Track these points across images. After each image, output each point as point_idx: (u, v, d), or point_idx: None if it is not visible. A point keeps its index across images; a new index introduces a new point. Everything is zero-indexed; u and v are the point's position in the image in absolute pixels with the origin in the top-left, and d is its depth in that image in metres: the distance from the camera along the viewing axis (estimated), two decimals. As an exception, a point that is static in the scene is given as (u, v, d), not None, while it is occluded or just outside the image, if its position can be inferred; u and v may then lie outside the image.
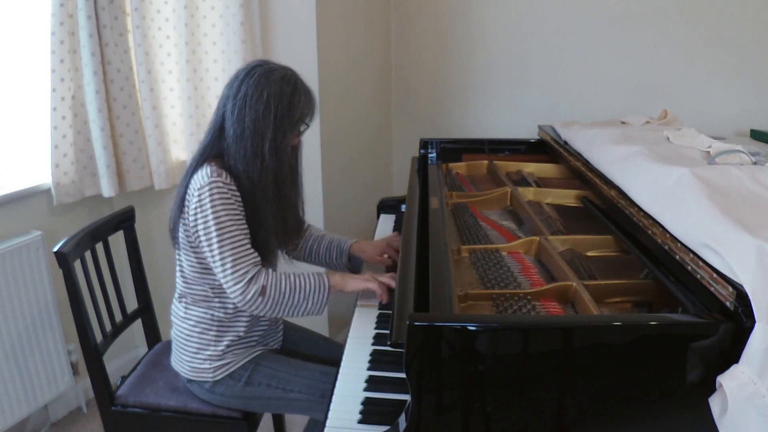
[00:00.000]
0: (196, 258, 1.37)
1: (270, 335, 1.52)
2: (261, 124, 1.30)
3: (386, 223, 2.03)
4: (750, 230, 0.91)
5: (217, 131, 1.35)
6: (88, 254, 1.58)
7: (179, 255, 1.42)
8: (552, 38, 2.60)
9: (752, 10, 2.33)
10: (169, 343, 1.68)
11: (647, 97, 2.50)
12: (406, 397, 1.02)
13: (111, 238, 1.68)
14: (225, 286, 1.30)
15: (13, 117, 2.02)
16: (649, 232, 1.16)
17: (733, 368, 0.84)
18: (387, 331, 1.35)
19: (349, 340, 1.35)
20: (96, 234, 1.61)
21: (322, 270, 1.46)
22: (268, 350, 1.51)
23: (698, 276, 0.97)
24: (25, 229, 1.95)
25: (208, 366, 1.41)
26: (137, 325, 1.81)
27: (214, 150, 1.35)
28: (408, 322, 0.89)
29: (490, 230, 1.54)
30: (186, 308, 1.44)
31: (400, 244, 1.59)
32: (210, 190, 1.27)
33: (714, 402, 0.86)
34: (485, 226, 1.55)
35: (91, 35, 1.92)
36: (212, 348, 1.41)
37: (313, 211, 2.29)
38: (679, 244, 1.04)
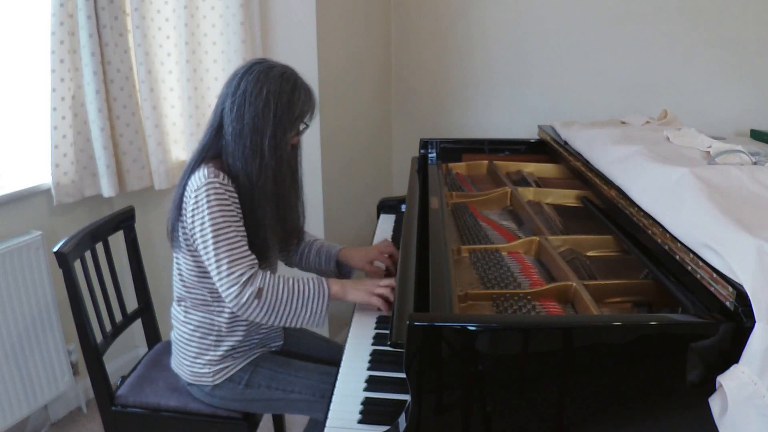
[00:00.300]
0: (194, 261, 1.36)
1: (270, 338, 1.52)
2: (260, 121, 1.28)
3: (386, 223, 2.03)
4: (750, 230, 0.91)
5: (216, 130, 1.33)
6: (88, 254, 1.58)
7: (177, 258, 1.41)
8: (552, 38, 2.60)
9: (752, 10, 2.33)
10: (169, 343, 1.68)
11: (647, 97, 2.50)
12: (406, 397, 1.02)
13: (111, 238, 1.68)
14: (220, 289, 1.27)
15: (13, 117, 2.02)
16: (649, 232, 1.16)
17: (733, 368, 0.84)
18: (387, 331, 1.35)
19: (349, 340, 1.34)
20: (96, 234, 1.61)
21: (313, 276, 1.43)
22: (267, 352, 1.51)
23: (698, 276, 0.97)
24: (25, 229, 1.95)
25: (207, 370, 1.40)
26: (137, 325, 1.81)
27: (212, 150, 1.33)
28: (408, 322, 0.89)
29: (490, 230, 1.54)
30: (185, 312, 1.43)
31: (391, 249, 1.59)
32: (207, 191, 1.26)
33: (714, 402, 0.86)
34: (485, 226, 1.55)
35: (91, 35, 1.92)
36: (212, 353, 1.40)
37: (313, 211, 2.29)
38: (679, 244, 1.04)
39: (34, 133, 2.05)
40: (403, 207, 1.96)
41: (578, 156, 1.70)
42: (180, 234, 1.35)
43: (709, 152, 1.38)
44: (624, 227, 1.32)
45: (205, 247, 1.27)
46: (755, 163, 1.27)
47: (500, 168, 2.00)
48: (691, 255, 0.99)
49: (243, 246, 1.28)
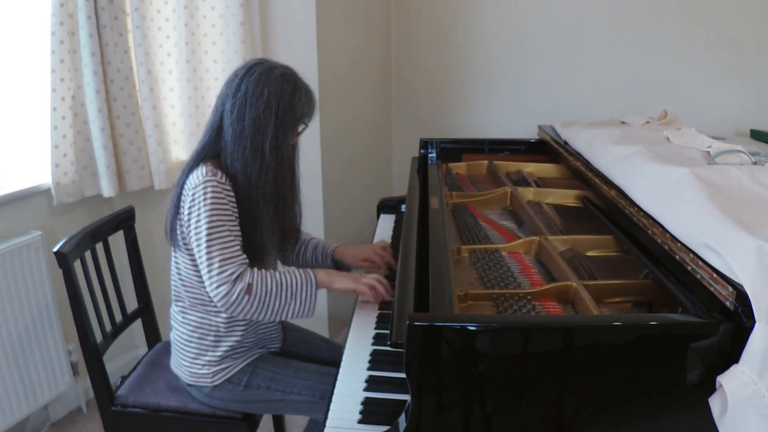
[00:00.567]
0: (192, 260, 1.36)
1: (269, 338, 1.52)
2: (262, 122, 1.29)
3: (386, 223, 2.03)
4: (750, 230, 0.91)
5: (216, 131, 1.33)
6: (88, 254, 1.58)
7: (176, 257, 1.41)
8: (552, 38, 2.60)
9: (752, 10, 2.33)
10: (169, 343, 1.68)
11: (647, 97, 2.50)
12: (406, 397, 1.02)
13: (111, 238, 1.68)
14: (209, 287, 1.26)
15: (13, 117, 2.02)
16: (649, 232, 1.16)
17: (733, 368, 0.84)
18: (387, 331, 1.35)
19: (349, 340, 1.34)
20: (96, 234, 1.61)
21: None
22: (266, 352, 1.51)
23: (698, 276, 0.97)
24: (25, 229, 1.95)
25: (206, 371, 1.40)
26: (137, 325, 1.81)
27: (211, 150, 1.33)
28: (408, 322, 0.89)
29: (490, 230, 1.54)
30: (183, 313, 1.43)
31: (386, 246, 1.61)
32: (204, 188, 1.26)
33: (714, 402, 0.86)
34: (485, 226, 1.55)
35: (91, 35, 1.92)
36: (210, 353, 1.40)
37: (313, 211, 2.29)
38: (679, 244, 1.04)
39: (34, 133, 2.05)
40: (403, 207, 1.96)
41: (578, 156, 1.70)
42: (178, 233, 1.35)
43: (709, 152, 1.38)
44: (624, 227, 1.32)
45: (198, 245, 1.27)
46: (755, 163, 1.27)
47: (500, 168, 2.00)
48: (691, 255, 0.99)
49: (236, 246, 1.28)
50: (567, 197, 1.72)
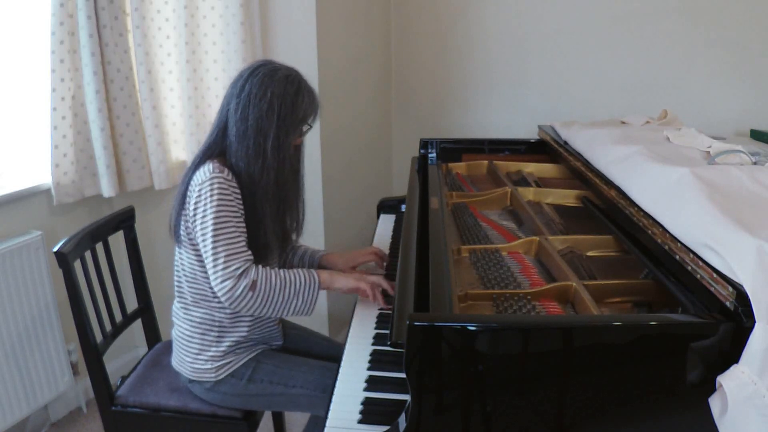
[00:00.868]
0: (196, 256, 1.37)
1: (271, 336, 1.52)
2: (264, 123, 1.30)
3: (386, 223, 2.03)
4: (750, 230, 0.91)
5: (221, 130, 1.35)
6: (88, 254, 1.58)
7: (180, 253, 1.41)
8: (552, 38, 2.60)
9: (752, 10, 2.33)
10: (169, 343, 1.68)
11: (647, 97, 2.50)
12: (406, 397, 1.02)
13: (111, 238, 1.68)
14: (213, 282, 1.28)
15: (13, 117, 2.02)
16: (649, 232, 1.16)
17: (733, 368, 0.84)
18: (387, 331, 1.35)
19: (349, 340, 1.35)
20: (96, 234, 1.61)
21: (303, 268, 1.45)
22: (268, 348, 1.51)
23: (698, 276, 0.97)
24: (25, 229, 1.95)
25: (210, 366, 1.41)
26: (137, 325, 1.81)
27: (217, 149, 1.35)
28: (408, 322, 0.89)
29: (490, 230, 1.54)
30: (186, 309, 1.43)
31: (376, 250, 1.61)
32: (211, 185, 1.28)
33: (714, 402, 0.86)
34: (485, 226, 1.55)
35: (91, 35, 1.92)
36: (214, 349, 1.41)
37: (313, 212, 2.29)
38: (679, 244, 1.04)
39: (34, 133, 2.05)
40: (403, 207, 1.96)
41: (578, 156, 1.70)
42: (183, 229, 1.36)
43: (709, 152, 1.38)
44: (624, 227, 1.32)
45: (203, 240, 1.28)
46: (755, 163, 1.27)
47: (500, 168, 2.00)
48: (691, 255, 0.99)
49: (241, 241, 1.30)
50: (567, 197, 1.72)
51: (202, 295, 1.40)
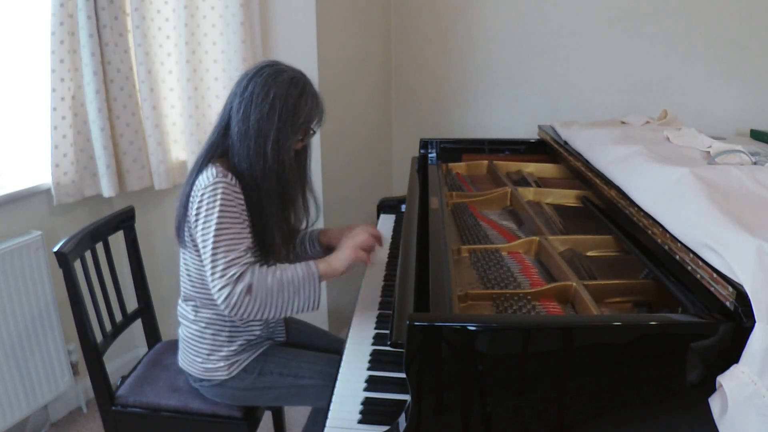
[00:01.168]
0: (200, 258, 1.35)
1: (276, 330, 1.54)
2: (265, 124, 1.29)
3: (386, 223, 2.03)
4: (750, 230, 0.91)
5: (223, 129, 1.34)
6: (88, 254, 1.58)
7: (185, 256, 1.41)
8: (552, 38, 2.60)
9: (752, 10, 2.33)
10: (169, 343, 1.68)
11: (647, 97, 2.50)
12: (406, 397, 1.02)
13: (111, 238, 1.68)
14: (213, 289, 1.25)
15: (13, 117, 2.02)
16: (649, 232, 1.16)
17: (733, 368, 0.84)
18: (387, 331, 1.35)
19: (349, 340, 1.35)
20: (96, 234, 1.61)
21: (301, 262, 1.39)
22: (273, 343, 1.52)
23: (698, 276, 0.97)
24: (25, 229, 1.95)
25: (222, 365, 1.41)
26: (137, 325, 1.81)
27: (219, 148, 1.34)
28: (408, 322, 0.89)
29: (490, 230, 1.54)
30: (195, 310, 1.42)
31: (370, 228, 1.50)
32: (214, 189, 1.27)
33: (714, 402, 0.86)
34: (485, 226, 1.55)
35: (91, 35, 1.92)
36: (226, 348, 1.41)
37: (313, 211, 2.29)
38: (679, 244, 1.04)
39: (34, 133, 2.05)
40: (403, 207, 1.96)
41: (578, 156, 1.70)
42: (186, 232, 1.36)
43: (709, 152, 1.38)
44: (624, 227, 1.32)
45: (204, 245, 1.27)
46: (755, 163, 1.27)
47: (500, 168, 2.00)
48: (691, 255, 0.99)
49: (241, 248, 1.28)
50: (567, 197, 1.72)
51: (210, 297, 1.38)
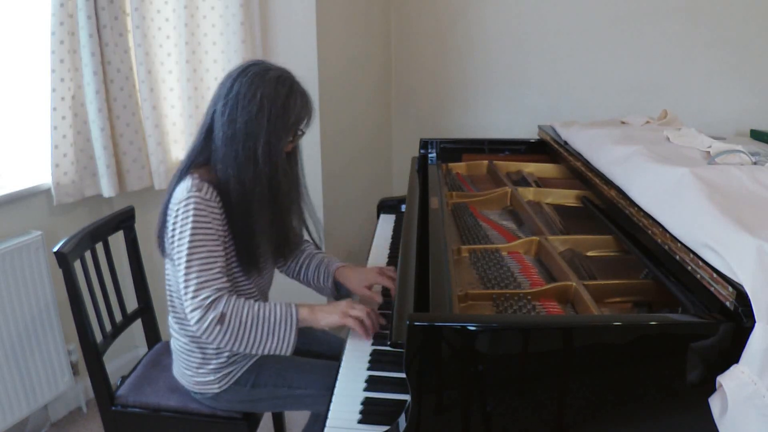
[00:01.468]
0: None
1: None
2: (253, 126, 1.23)
3: (386, 223, 2.04)
4: (750, 230, 0.91)
5: (206, 133, 1.28)
6: (88, 254, 1.58)
7: (167, 266, 1.37)
8: (552, 38, 2.60)
9: (752, 10, 2.33)
10: (169, 344, 1.68)
11: (647, 97, 2.50)
12: (406, 397, 1.02)
13: (111, 238, 1.68)
14: (186, 309, 1.22)
15: (13, 117, 2.02)
16: (649, 232, 1.16)
17: (733, 368, 0.84)
18: (387, 332, 1.35)
19: (349, 340, 1.35)
20: (96, 234, 1.61)
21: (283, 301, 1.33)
22: None
23: (698, 276, 0.97)
24: (25, 229, 1.95)
25: (212, 378, 1.39)
26: (137, 325, 1.81)
27: (202, 154, 1.29)
28: (408, 322, 0.89)
29: (490, 230, 1.54)
30: (180, 324, 1.39)
31: (393, 274, 1.48)
32: (186, 205, 1.22)
33: (714, 402, 0.86)
34: (485, 226, 1.55)
35: (91, 35, 1.92)
36: (214, 361, 1.38)
37: (313, 211, 2.29)
38: (679, 244, 1.04)
39: (34, 133, 2.05)
40: (403, 207, 1.96)
41: (578, 156, 1.70)
42: (167, 242, 1.31)
43: (709, 152, 1.38)
44: (624, 227, 1.32)
45: (178, 264, 1.23)
46: (755, 163, 1.27)
47: (500, 168, 2.00)
48: (691, 255, 0.99)
49: (215, 269, 1.23)
50: (567, 197, 1.72)
51: None
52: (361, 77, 2.60)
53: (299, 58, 2.13)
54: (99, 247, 1.63)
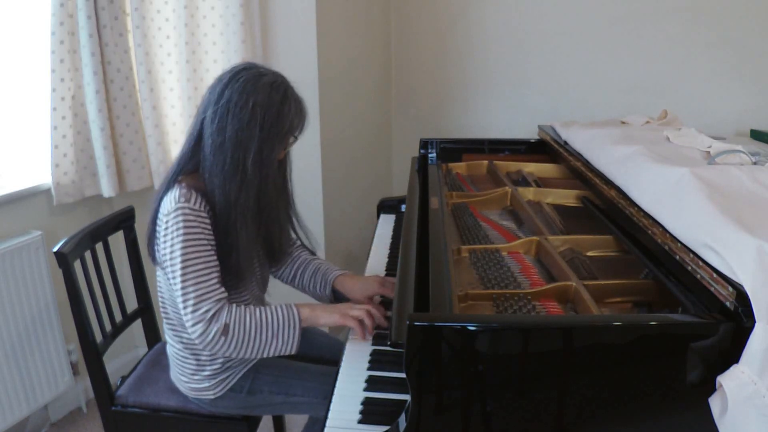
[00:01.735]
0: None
1: None
2: (245, 135, 1.18)
3: (386, 223, 2.04)
4: (750, 230, 0.91)
5: (195, 140, 1.24)
6: (88, 254, 1.58)
7: (158, 273, 1.35)
8: (552, 38, 2.60)
9: (752, 10, 2.33)
10: (169, 343, 1.68)
11: (647, 97, 2.50)
12: (406, 397, 1.02)
13: (111, 238, 1.68)
14: (186, 324, 1.20)
15: (13, 117, 2.02)
16: (649, 232, 1.16)
17: (733, 368, 0.84)
18: (387, 331, 1.35)
19: (349, 340, 1.34)
20: (96, 234, 1.61)
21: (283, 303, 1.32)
22: None
23: (698, 276, 0.97)
24: (25, 229, 1.95)
25: (207, 384, 1.38)
26: (137, 325, 1.81)
27: (191, 162, 1.25)
28: (408, 322, 0.89)
29: (490, 230, 1.54)
30: (174, 331, 1.38)
31: (392, 283, 1.44)
32: (176, 217, 1.18)
33: (714, 402, 0.86)
34: (485, 226, 1.55)
35: (91, 35, 1.92)
36: (209, 367, 1.37)
37: (314, 212, 2.29)
38: (679, 244, 1.04)
39: (34, 133, 2.05)
40: (403, 207, 1.96)
41: (578, 156, 1.70)
42: (157, 252, 1.28)
43: (709, 152, 1.38)
44: (624, 227, 1.32)
45: (173, 278, 1.20)
46: (755, 163, 1.27)
47: (500, 168, 2.00)
48: (691, 255, 0.99)
49: (212, 280, 1.21)
50: (567, 197, 1.72)
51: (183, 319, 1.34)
52: (361, 77, 2.60)
53: (299, 58, 2.13)
54: (99, 247, 1.63)
